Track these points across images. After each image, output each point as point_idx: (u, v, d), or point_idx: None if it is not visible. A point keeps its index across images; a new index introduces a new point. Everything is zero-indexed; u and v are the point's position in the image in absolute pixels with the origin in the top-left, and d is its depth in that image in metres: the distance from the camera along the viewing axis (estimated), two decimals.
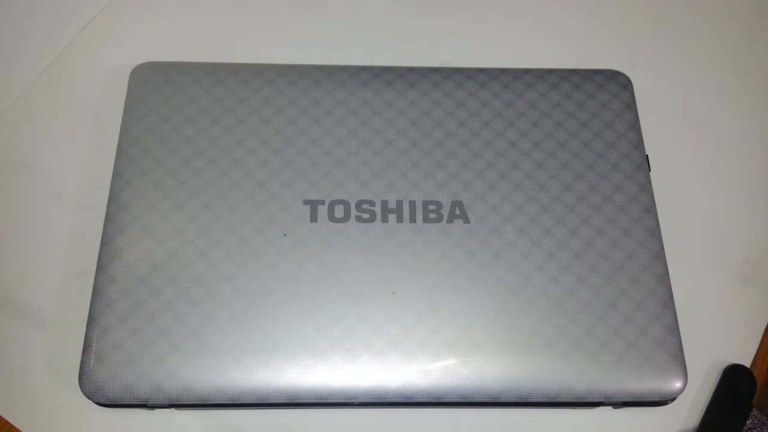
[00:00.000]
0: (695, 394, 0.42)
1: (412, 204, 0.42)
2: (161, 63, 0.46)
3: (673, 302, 0.40)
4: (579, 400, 0.38)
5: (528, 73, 0.46)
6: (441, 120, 0.44)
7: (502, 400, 0.38)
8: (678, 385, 0.38)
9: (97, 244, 0.40)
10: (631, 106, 0.45)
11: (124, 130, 0.43)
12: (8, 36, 0.51)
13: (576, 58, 0.50)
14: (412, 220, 0.41)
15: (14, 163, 0.46)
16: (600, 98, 0.45)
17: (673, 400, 0.39)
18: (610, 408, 0.40)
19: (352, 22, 0.53)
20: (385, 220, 0.41)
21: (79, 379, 0.37)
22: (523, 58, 0.49)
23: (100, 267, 0.39)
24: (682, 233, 0.45)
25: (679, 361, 0.39)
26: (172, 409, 0.39)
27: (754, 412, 0.41)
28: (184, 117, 0.44)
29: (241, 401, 0.37)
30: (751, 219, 0.47)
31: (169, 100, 0.44)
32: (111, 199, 0.41)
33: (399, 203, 0.42)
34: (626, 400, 0.38)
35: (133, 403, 0.37)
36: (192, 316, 0.38)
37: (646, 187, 0.43)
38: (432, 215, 0.41)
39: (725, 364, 0.43)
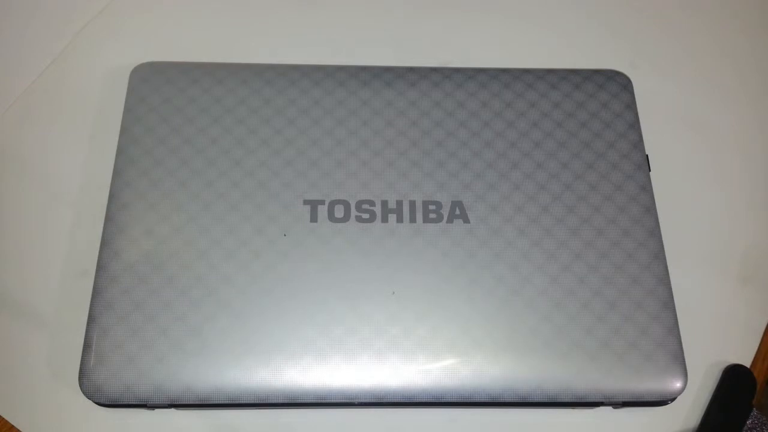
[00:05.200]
0: (695, 394, 0.42)
1: (412, 204, 0.42)
2: (161, 63, 0.46)
3: (673, 302, 0.40)
4: (579, 400, 0.38)
5: (528, 73, 0.46)
6: (441, 120, 0.44)
7: (502, 400, 0.38)
8: (678, 385, 0.38)
9: (97, 244, 0.40)
10: (631, 106, 0.45)
11: (124, 130, 0.43)
12: (8, 36, 0.51)
13: (576, 58, 0.50)
14: (412, 220, 0.41)
15: (14, 163, 0.46)
16: (600, 98, 0.45)
17: (673, 400, 0.39)
18: (610, 408, 0.40)
19: (353, 22, 0.53)
20: (385, 220, 0.41)
21: (79, 379, 0.37)
22: (523, 58, 0.49)
23: (100, 267, 0.39)
24: (682, 233, 0.45)
25: (679, 361, 0.39)
26: (172, 409, 0.39)
27: (754, 412, 0.41)
28: (184, 117, 0.44)
29: (241, 401, 0.37)
30: (751, 219, 0.47)
31: (169, 100, 0.44)
32: (111, 199, 0.41)
33: (399, 203, 0.42)
34: (626, 400, 0.38)
35: (133, 403, 0.37)
36: (192, 316, 0.38)
37: (646, 187, 0.43)
38: (432, 215, 0.41)
39: (725, 364, 0.43)
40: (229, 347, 0.38)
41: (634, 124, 0.45)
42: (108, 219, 0.41)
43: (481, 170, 0.43)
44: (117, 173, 0.42)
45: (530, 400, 0.38)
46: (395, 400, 0.38)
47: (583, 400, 0.38)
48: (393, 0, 0.54)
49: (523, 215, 0.42)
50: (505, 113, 0.45)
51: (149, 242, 0.40)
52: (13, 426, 0.40)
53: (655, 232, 0.42)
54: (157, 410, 0.39)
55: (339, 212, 0.41)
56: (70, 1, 0.52)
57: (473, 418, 0.41)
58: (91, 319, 0.38)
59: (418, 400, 0.38)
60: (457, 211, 0.42)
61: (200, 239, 0.40)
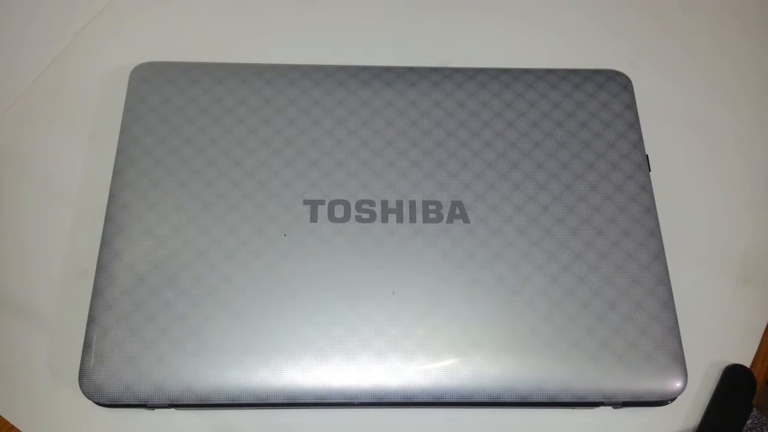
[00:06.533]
0: (695, 394, 0.42)
1: (412, 204, 0.42)
2: (161, 63, 0.46)
3: (673, 302, 0.40)
4: (579, 400, 0.38)
5: (528, 73, 0.46)
6: (441, 120, 0.44)
7: (502, 400, 0.38)
8: (678, 385, 0.38)
9: (97, 244, 0.40)
10: (631, 106, 0.45)
11: (124, 130, 0.43)
12: (8, 36, 0.51)
13: (576, 58, 0.50)
14: (412, 220, 0.41)
15: (14, 163, 0.46)
16: (600, 98, 0.45)
17: (673, 400, 0.39)
18: (610, 408, 0.40)
19: (353, 22, 0.53)
20: (385, 220, 0.41)
21: (79, 379, 0.37)
22: (523, 58, 0.49)
23: (100, 267, 0.39)
24: (682, 233, 0.45)
25: (679, 361, 0.39)
26: (172, 409, 0.39)
27: (754, 412, 0.41)
28: (184, 117, 0.44)
29: (241, 401, 0.37)
30: (751, 219, 0.47)
31: (169, 100, 0.44)
32: (111, 199, 0.41)
33: (399, 203, 0.42)
34: (626, 400, 0.38)
35: (133, 403, 0.37)
36: (192, 316, 0.38)
37: (646, 187, 0.43)
38: (432, 215, 0.41)
39: (725, 364, 0.43)
40: (229, 347, 0.38)
41: (634, 124, 0.45)
42: (108, 219, 0.41)
43: (481, 170, 0.43)
44: (117, 173, 0.42)
45: (530, 400, 0.38)
46: (395, 400, 0.38)
47: (583, 400, 0.38)
48: (393, 0, 0.54)
49: (523, 215, 0.42)
50: (505, 113, 0.45)
51: (149, 242, 0.40)
52: (13, 426, 0.40)
53: (655, 232, 0.42)
54: (157, 410, 0.39)
55: (339, 212, 0.41)
56: (70, 1, 0.52)
57: (473, 418, 0.41)
58: (91, 319, 0.38)
59: (418, 400, 0.38)
60: (457, 211, 0.42)
61: (200, 239, 0.40)
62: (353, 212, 0.41)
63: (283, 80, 0.45)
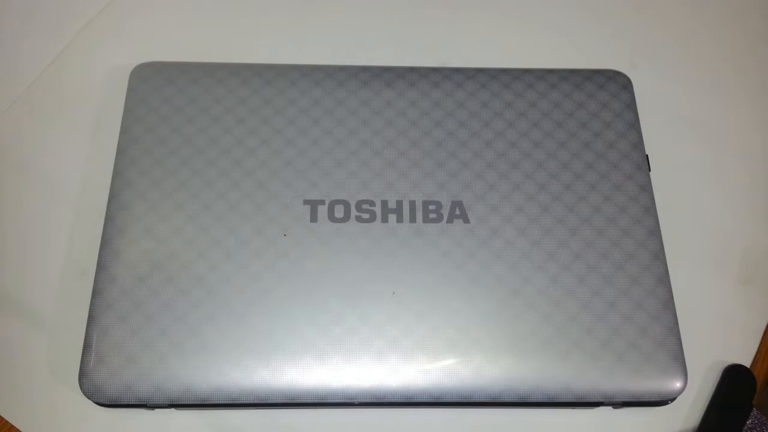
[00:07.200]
0: (695, 394, 0.42)
1: (412, 204, 0.42)
2: (161, 63, 0.46)
3: (673, 302, 0.40)
4: (579, 400, 0.38)
5: (528, 73, 0.46)
6: (441, 120, 0.44)
7: (502, 400, 0.38)
8: (678, 385, 0.38)
9: (97, 244, 0.40)
10: (631, 106, 0.45)
11: (124, 130, 0.43)
12: (8, 36, 0.51)
13: (576, 58, 0.50)
14: (412, 220, 0.41)
15: (14, 163, 0.46)
16: (600, 98, 0.45)
17: (673, 400, 0.39)
18: (610, 408, 0.40)
19: (352, 22, 0.53)
20: (385, 220, 0.41)
21: (79, 379, 0.37)
22: (523, 58, 0.49)
23: (100, 267, 0.39)
24: (682, 233, 0.45)
25: (679, 361, 0.39)
26: (172, 409, 0.39)
27: (754, 412, 0.41)
28: (184, 117, 0.44)
29: (241, 401, 0.37)
30: (751, 219, 0.47)
31: (169, 100, 0.44)
32: (111, 199, 0.41)
33: (399, 203, 0.42)
34: (626, 400, 0.38)
35: (133, 403, 0.37)
36: (192, 316, 0.38)
37: (646, 187, 0.43)
38: (432, 215, 0.41)
39: (725, 364, 0.43)
40: (229, 347, 0.38)
41: (634, 124, 0.45)
42: (108, 219, 0.41)
43: (481, 170, 0.43)
44: (117, 173, 0.42)
45: (530, 400, 0.38)
46: (395, 400, 0.38)
47: (583, 400, 0.38)
48: (393, 0, 0.54)
49: (523, 215, 0.42)
50: (505, 113, 0.45)
51: (149, 242, 0.40)
52: (12, 426, 0.40)
53: (655, 232, 0.42)
54: (157, 410, 0.39)
55: (339, 212, 0.41)
56: (70, 1, 0.52)
57: (473, 418, 0.41)
58: (91, 319, 0.38)
59: (418, 400, 0.38)
60: (457, 211, 0.42)
61: (200, 239, 0.40)
62: (353, 212, 0.41)
63: (283, 80, 0.45)
